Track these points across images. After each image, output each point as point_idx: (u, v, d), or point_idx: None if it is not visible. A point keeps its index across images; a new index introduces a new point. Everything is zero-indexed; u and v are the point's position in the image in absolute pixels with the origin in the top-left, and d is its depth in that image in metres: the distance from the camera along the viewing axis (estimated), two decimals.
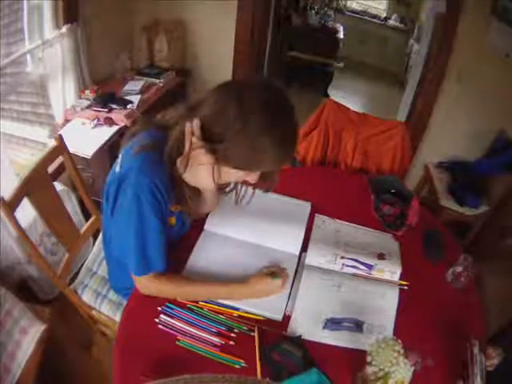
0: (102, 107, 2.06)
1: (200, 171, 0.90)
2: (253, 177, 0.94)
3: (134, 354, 0.91)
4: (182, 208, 1.02)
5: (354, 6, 5.55)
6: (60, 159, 1.37)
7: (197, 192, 0.99)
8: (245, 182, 1.04)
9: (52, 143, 1.33)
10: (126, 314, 1.00)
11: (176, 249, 1.12)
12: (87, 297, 1.32)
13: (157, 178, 0.89)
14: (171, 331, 0.95)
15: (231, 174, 0.93)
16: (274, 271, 1.06)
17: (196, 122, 0.86)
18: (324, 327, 1.01)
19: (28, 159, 2.00)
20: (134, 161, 0.90)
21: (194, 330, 0.95)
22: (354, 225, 1.33)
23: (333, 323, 1.02)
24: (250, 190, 1.10)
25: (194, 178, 0.93)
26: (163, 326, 0.96)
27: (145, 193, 0.89)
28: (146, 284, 1.00)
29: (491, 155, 2.41)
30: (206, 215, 1.22)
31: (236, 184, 1.11)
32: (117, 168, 0.95)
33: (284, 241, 1.21)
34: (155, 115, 1.02)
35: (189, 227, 1.20)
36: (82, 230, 1.46)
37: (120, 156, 0.97)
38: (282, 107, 0.87)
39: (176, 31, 2.60)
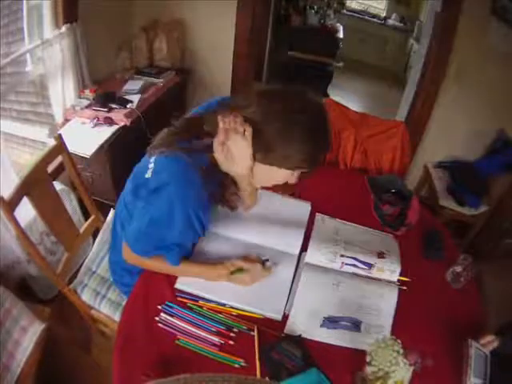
0: (101, 107, 2.06)
1: (237, 152, 0.92)
2: (293, 178, 0.99)
3: (134, 353, 0.91)
4: (223, 205, 1.08)
5: (354, 5, 5.54)
6: (60, 158, 1.37)
7: (234, 184, 1.04)
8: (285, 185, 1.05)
9: (52, 142, 1.33)
10: (126, 313, 1.01)
11: None
12: (86, 296, 1.32)
13: (193, 189, 0.92)
14: (171, 330, 0.95)
15: (274, 175, 0.97)
16: (240, 267, 1.06)
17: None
18: (322, 325, 1.01)
19: (28, 159, 2.00)
20: (171, 167, 0.92)
21: (193, 329, 0.96)
22: (353, 224, 1.33)
23: (330, 322, 1.02)
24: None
25: (231, 164, 0.95)
26: (163, 324, 0.96)
27: (180, 204, 0.92)
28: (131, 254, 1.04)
29: (491, 155, 2.41)
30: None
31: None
32: (148, 174, 0.95)
33: (284, 240, 1.21)
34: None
35: None
36: (82, 230, 1.46)
37: (152, 161, 0.96)
38: (323, 119, 0.92)
39: (175, 31, 2.60)
